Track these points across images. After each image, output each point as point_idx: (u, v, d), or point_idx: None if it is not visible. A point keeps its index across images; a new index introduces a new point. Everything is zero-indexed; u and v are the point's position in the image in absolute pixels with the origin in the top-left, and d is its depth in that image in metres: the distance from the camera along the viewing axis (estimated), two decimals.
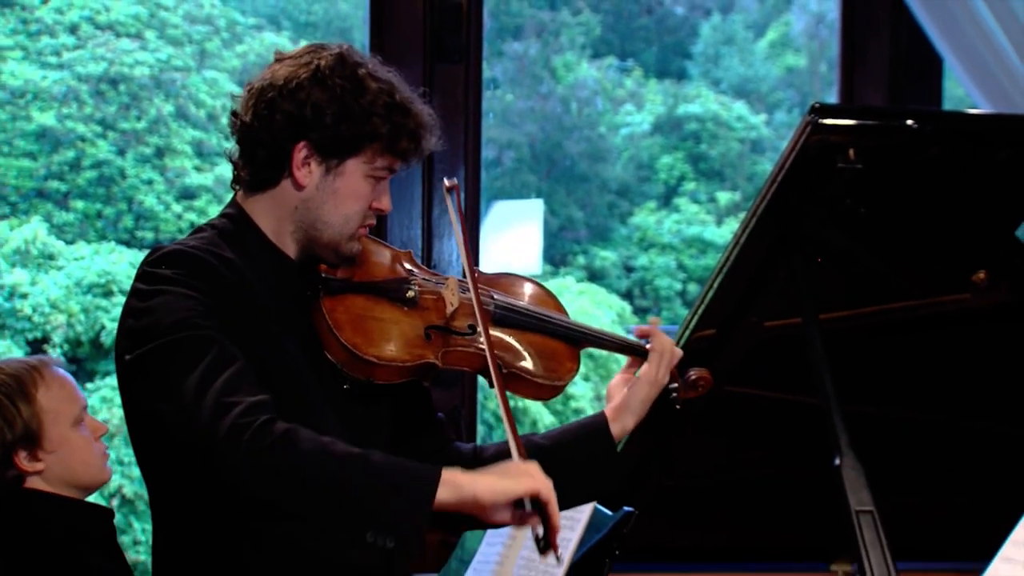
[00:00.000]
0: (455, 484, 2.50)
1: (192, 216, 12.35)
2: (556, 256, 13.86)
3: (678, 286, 13.83)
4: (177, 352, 2.56)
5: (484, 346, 2.80)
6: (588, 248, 14.16)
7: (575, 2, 15.63)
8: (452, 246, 4.92)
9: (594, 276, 13.76)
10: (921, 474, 3.68)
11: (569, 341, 3.04)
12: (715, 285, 3.36)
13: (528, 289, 3.11)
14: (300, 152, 2.73)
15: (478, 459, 3.03)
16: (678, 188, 14.60)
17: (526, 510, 2.51)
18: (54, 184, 12.55)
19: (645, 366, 3.09)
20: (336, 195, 2.76)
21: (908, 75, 5.21)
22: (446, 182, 2.91)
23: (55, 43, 12.83)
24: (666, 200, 14.53)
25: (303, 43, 2.85)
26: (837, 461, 3.09)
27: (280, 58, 2.81)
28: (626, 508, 3.20)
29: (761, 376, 3.54)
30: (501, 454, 2.92)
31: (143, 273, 2.69)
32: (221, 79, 12.79)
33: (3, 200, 12.40)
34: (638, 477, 3.49)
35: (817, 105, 3.13)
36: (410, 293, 2.82)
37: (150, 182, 12.68)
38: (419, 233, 4.90)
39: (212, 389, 2.49)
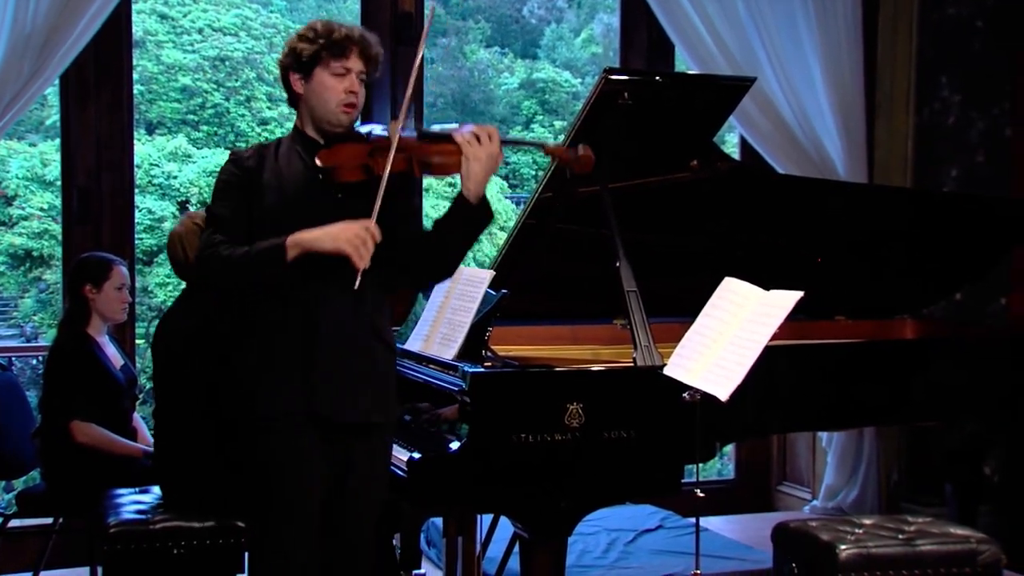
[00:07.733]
0: (295, 243, 2.47)
1: (267, 134, 12.27)
2: None
3: (532, 172, 13.82)
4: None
5: (409, 157, 2.54)
6: None
7: (476, 15, 15.57)
8: None
9: None
10: (662, 266, 3.64)
11: (450, 142, 2.56)
12: (553, 166, 3.29)
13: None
14: (293, 77, 2.62)
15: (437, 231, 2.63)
16: (533, 119, 14.55)
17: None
18: (190, 116, 12.44)
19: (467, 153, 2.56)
20: (317, 91, 2.59)
21: (656, 54, 5.14)
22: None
23: (190, 38, 12.70)
24: (527, 125, 14.49)
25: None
26: (617, 264, 3.05)
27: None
28: (503, 291, 3.13)
29: (580, 218, 3.47)
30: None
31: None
32: None
33: (163, 126, 12.31)
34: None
35: (608, 68, 3.05)
36: (368, 137, 2.60)
37: (243, 115, 12.62)
38: None
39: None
